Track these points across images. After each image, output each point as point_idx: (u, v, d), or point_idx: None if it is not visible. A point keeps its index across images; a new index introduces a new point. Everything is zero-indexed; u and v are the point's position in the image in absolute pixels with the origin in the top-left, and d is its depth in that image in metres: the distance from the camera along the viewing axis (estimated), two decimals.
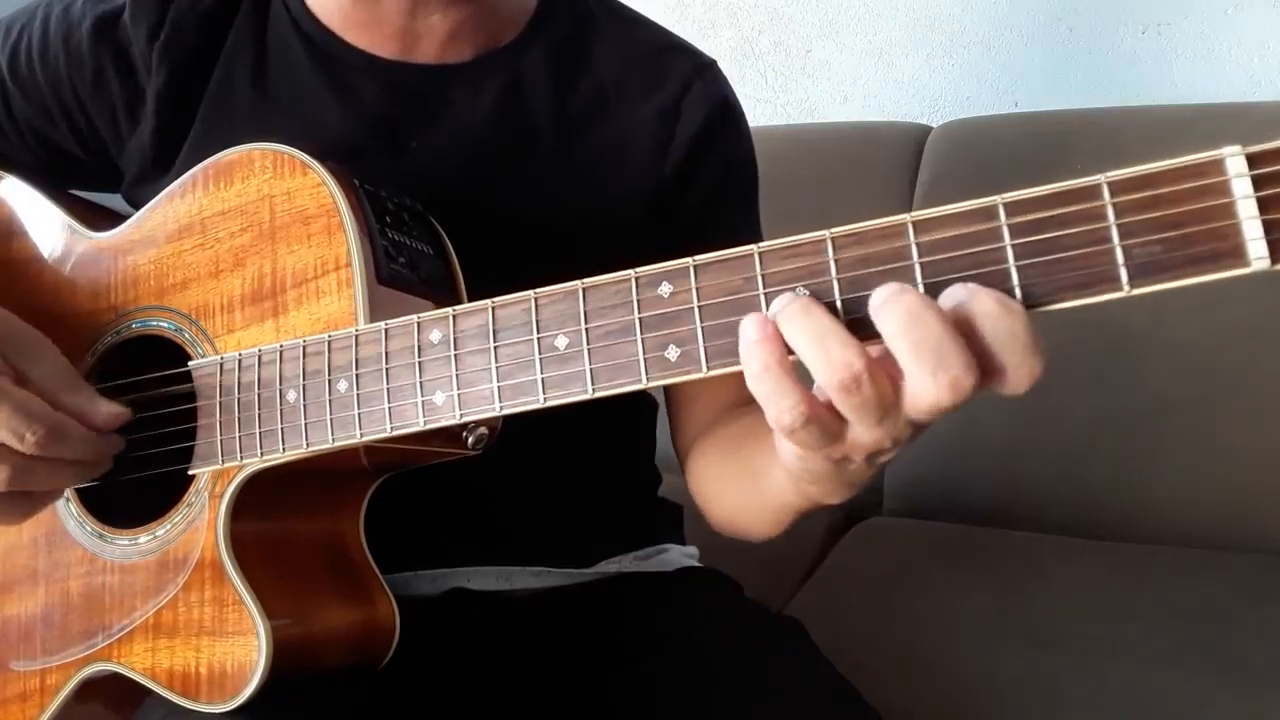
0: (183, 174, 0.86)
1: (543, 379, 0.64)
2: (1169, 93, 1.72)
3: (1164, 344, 1.43)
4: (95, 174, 1.00)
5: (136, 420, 0.84)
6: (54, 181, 0.97)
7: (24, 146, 0.99)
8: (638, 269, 0.62)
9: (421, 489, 0.86)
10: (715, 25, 2.09)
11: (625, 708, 0.90)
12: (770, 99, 2.06)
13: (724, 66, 1.04)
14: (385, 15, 0.92)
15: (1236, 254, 0.49)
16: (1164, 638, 1.14)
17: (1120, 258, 0.51)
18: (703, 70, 1.01)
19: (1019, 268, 0.53)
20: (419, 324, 0.70)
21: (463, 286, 0.85)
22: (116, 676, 0.81)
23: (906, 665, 1.13)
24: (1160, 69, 1.74)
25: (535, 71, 0.97)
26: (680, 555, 1.11)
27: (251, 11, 0.96)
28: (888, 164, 1.74)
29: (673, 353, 0.60)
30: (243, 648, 0.75)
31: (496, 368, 0.66)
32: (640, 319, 0.61)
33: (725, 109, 1.01)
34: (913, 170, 1.71)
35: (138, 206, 0.90)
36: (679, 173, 0.98)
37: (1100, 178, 0.51)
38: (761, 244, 0.58)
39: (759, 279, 0.58)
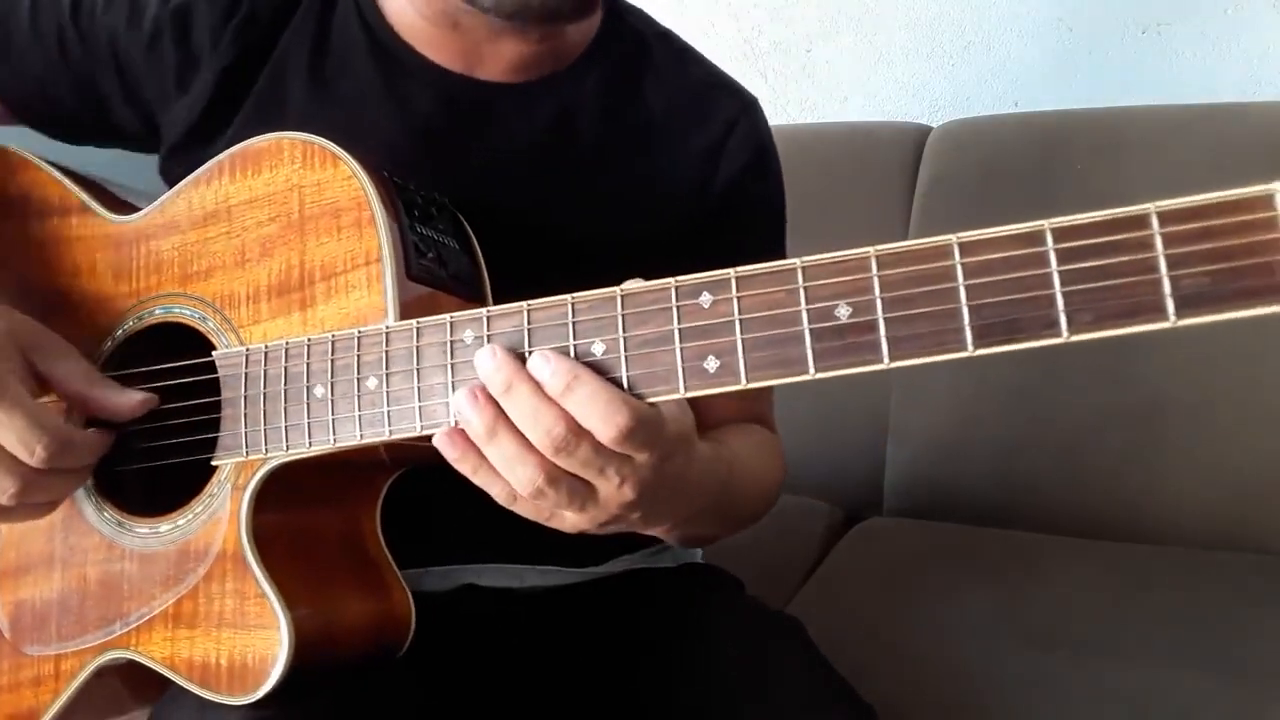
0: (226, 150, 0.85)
1: None
2: (1169, 93, 1.73)
3: (1164, 344, 1.42)
4: (132, 132, 1.00)
5: (158, 409, 0.84)
6: (91, 136, 0.97)
7: (73, 91, 0.97)
8: (678, 278, 0.61)
9: (433, 486, 0.85)
10: (715, 25, 2.09)
11: (627, 704, 0.91)
12: (770, 99, 2.06)
13: (724, 66, 1.07)
14: (461, 36, 0.93)
15: None
16: (1164, 638, 1.15)
17: (1167, 288, 0.50)
18: (747, 109, 1.03)
19: (1065, 294, 0.52)
20: (452, 323, 0.69)
21: (487, 284, 0.84)
22: (132, 665, 0.81)
23: (906, 665, 1.13)
24: (1160, 69, 1.75)
25: (587, 99, 0.98)
26: (683, 556, 1.12)
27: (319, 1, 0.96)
28: (888, 164, 1.74)
29: (711, 364, 0.60)
30: (264, 641, 0.75)
31: None
32: (679, 329, 0.61)
33: (764, 153, 1.04)
34: (913, 170, 1.71)
35: (173, 178, 0.89)
36: (716, 207, 1.00)
37: (1149, 206, 0.50)
38: (805, 258, 0.58)
39: (801, 292, 0.58)
